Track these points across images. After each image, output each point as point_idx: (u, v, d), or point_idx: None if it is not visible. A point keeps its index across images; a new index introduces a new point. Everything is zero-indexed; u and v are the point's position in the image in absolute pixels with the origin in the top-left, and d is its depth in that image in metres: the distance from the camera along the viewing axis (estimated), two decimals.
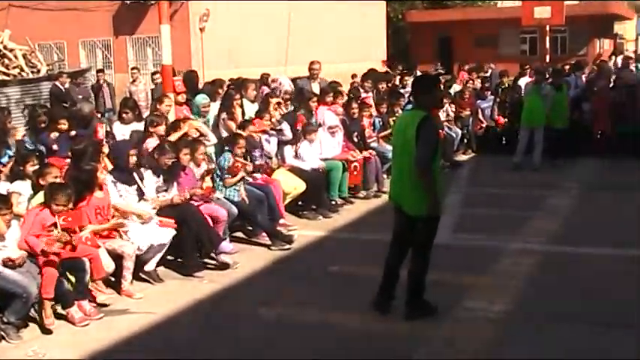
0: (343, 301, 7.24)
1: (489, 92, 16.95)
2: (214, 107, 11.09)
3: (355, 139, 12.33)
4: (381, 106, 13.62)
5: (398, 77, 17.53)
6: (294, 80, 14.29)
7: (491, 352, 6.10)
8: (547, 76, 15.13)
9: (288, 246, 9.13)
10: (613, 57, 25.32)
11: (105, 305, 7.19)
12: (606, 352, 5.98)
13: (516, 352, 6.05)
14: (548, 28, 30.78)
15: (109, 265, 7.23)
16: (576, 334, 6.33)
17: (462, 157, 15.73)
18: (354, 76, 18.37)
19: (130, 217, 7.77)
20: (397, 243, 6.85)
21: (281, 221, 9.87)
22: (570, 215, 10.62)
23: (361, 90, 14.64)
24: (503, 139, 16.02)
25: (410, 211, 6.58)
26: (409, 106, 11.54)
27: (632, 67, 19.00)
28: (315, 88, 13.51)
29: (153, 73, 17.83)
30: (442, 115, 15.12)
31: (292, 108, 12.06)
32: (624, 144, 15.07)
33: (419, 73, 17.40)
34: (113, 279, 7.59)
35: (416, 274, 6.68)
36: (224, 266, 8.34)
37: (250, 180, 9.75)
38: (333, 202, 11.22)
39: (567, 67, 18.17)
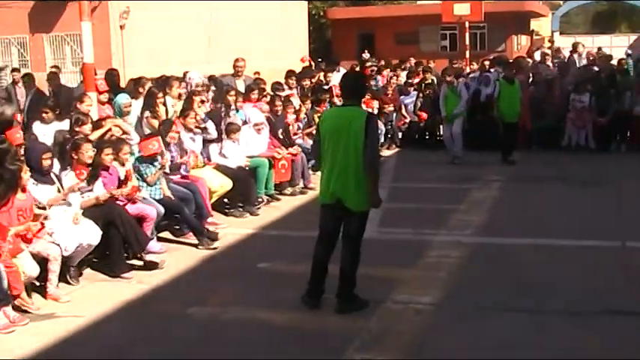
0: (273, 298, 7.23)
1: (412, 88, 17.15)
2: (137, 106, 10.93)
3: (281, 136, 12.34)
4: (305, 103, 13.65)
5: (322, 74, 17.56)
6: (210, 78, 14.12)
7: (420, 343, 6.18)
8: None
9: (215, 244, 9.07)
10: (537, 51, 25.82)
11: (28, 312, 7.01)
12: (534, 341, 6.12)
13: (444, 343, 6.14)
14: (467, 24, 31.35)
15: (33, 270, 7.05)
16: (504, 323, 6.47)
17: (386, 152, 15.88)
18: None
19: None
20: (326, 238, 6.87)
21: (209, 219, 9.80)
22: (494, 207, 10.85)
23: (285, 87, 14.64)
24: (427, 134, 16.25)
25: (354, 207, 6.62)
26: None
27: (549, 62, 19.43)
28: (240, 85, 13.46)
29: (12, 71, 17.75)
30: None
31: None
32: (542, 137, 15.52)
33: (342, 70, 17.54)
34: (38, 283, 7.41)
35: (348, 269, 6.73)
36: (152, 266, 8.23)
37: (175, 178, 9.66)
38: (260, 200, 11.20)
39: (487, 62, 18.44)
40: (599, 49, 21.83)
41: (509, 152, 14.20)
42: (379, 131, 15.50)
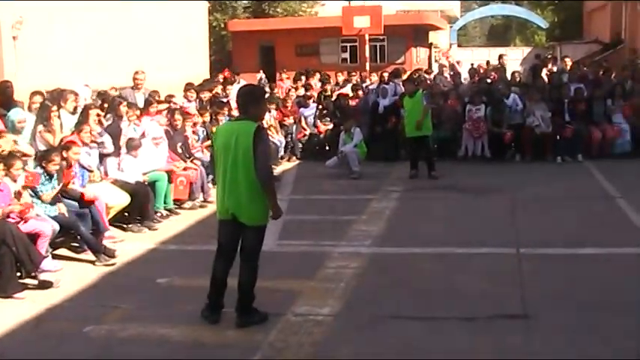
0: (172, 313, 7.15)
1: (312, 100, 17.27)
2: (31, 120, 10.61)
3: (180, 150, 12.24)
4: (204, 116, 13.56)
5: (220, 86, 17.49)
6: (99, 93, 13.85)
7: (319, 354, 6.20)
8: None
9: (112, 260, 8.91)
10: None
11: None
12: (430, 347, 6.23)
13: (343, 353, 6.18)
14: (367, 37, 31.80)
15: None
16: (401, 331, 6.58)
17: (286, 165, 15.94)
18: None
19: None
20: (224, 253, 6.84)
21: (106, 234, 9.62)
22: (393, 218, 11.01)
23: (184, 100, 14.52)
24: (327, 146, 16.37)
25: (248, 221, 6.60)
26: None
27: (447, 74, 19.90)
28: (140, 98, 13.28)
29: None
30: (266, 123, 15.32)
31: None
32: (440, 148, 15.86)
33: (242, 82, 17.51)
34: None
35: (246, 283, 6.70)
36: (47, 285, 8.00)
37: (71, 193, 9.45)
38: (159, 214, 11.07)
39: (386, 74, 18.77)
40: (500, 56, 22.41)
41: (432, 167, 14.18)
42: (279, 144, 15.72)
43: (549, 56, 27.27)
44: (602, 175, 13.76)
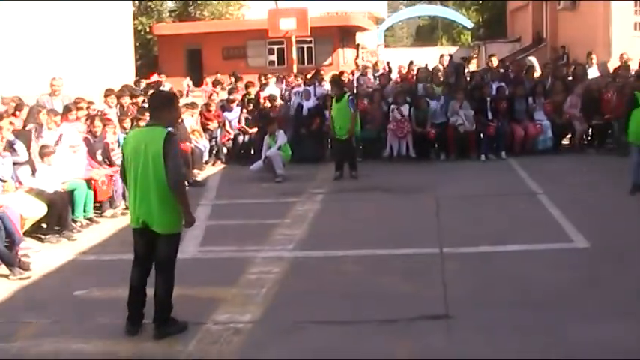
0: (89, 327, 6.94)
1: (235, 103, 17.11)
2: None
3: (100, 157, 11.97)
4: (124, 122, 13.28)
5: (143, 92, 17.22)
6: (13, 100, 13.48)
7: None
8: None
9: (27, 273, 8.61)
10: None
11: None
12: (350, 351, 6.19)
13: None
14: (294, 39, 31.81)
15: None
16: (321, 335, 6.51)
17: (211, 169, 15.77)
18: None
19: None
20: (140, 262, 6.69)
21: (22, 245, 9.30)
22: (317, 220, 10.95)
23: (105, 106, 14.21)
24: (251, 149, 16.22)
25: (160, 229, 6.45)
26: None
27: (370, 74, 19.96)
28: (58, 104, 12.97)
29: None
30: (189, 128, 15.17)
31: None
32: (365, 148, 15.90)
33: (168, 85, 17.29)
34: None
35: (162, 293, 6.55)
36: None
37: None
38: (79, 224, 10.79)
39: (309, 75, 18.75)
40: (442, 56, 22.56)
41: (354, 167, 14.18)
42: (203, 148, 15.52)
43: (475, 55, 27.71)
44: (524, 172, 13.95)
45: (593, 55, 20.06)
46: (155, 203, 6.39)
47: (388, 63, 28.67)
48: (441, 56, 22.48)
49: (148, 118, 13.32)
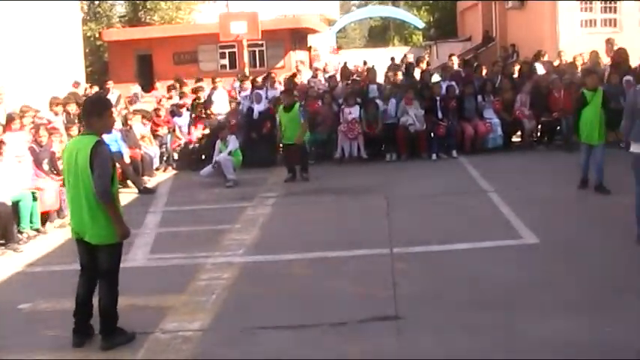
0: (33, 340, 6.78)
1: (185, 109, 16.97)
2: None
3: (46, 166, 11.77)
4: (71, 130, 13.09)
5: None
6: None
7: None
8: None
9: None
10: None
11: None
12: (300, 355, 6.15)
13: None
14: (245, 42, 31.68)
15: None
16: (271, 341, 6.46)
17: (161, 176, 15.62)
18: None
19: None
20: (85, 273, 6.58)
21: None
22: (268, 224, 10.88)
23: (51, 114, 14.00)
24: (202, 155, 16.10)
25: (93, 240, 6.34)
26: None
27: (321, 77, 19.95)
28: (1, 113, 12.74)
29: None
30: (146, 132, 15.05)
31: None
32: (317, 150, 15.89)
33: (116, 92, 17.09)
34: None
35: (106, 304, 6.44)
36: None
37: None
38: (25, 235, 10.58)
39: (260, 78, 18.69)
40: (405, 56, 22.65)
41: (305, 169, 14.20)
42: (153, 155, 15.35)
43: (426, 55, 27.85)
44: (475, 171, 14.04)
45: (543, 52, 20.30)
46: (86, 214, 6.29)
47: (345, 64, 28.65)
48: (405, 56, 22.60)
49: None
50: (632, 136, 8.62)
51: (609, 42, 19.22)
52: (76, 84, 21.95)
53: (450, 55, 20.91)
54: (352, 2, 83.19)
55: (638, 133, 8.50)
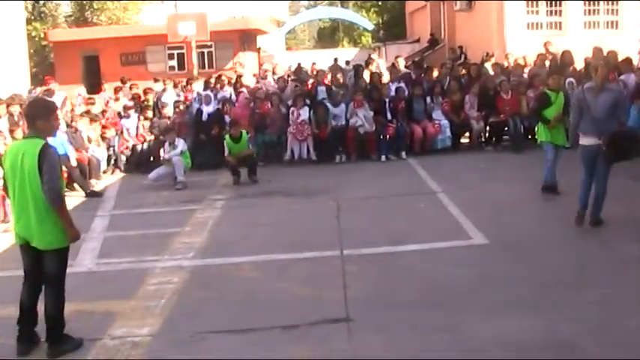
0: None
1: (133, 110, 16.78)
2: None
3: None
4: (15, 132, 12.85)
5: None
6: None
7: None
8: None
9: None
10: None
11: None
12: (261, 357, 6.13)
13: None
14: (194, 43, 31.49)
15: None
16: (221, 345, 6.41)
17: (109, 178, 15.42)
18: None
19: None
20: (29, 279, 6.44)
21: None
22: (217, 227, 10.81)
23: None
24: (151, 157, 15.95)
25: (41, 245, 6.21)
26: None
27: (270, 79, 19.89)
28: None
29: None
30: (93, 136, 14.85)
31: None
32: (266, 152, 15.86)
33: (62, 94, 16.81)
34: None
35: (52, 310, 6.32)
36: None
37: None
38: None
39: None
40: (369, 56, 22.59)
41: (254, 171, 14.16)
42: (101, 157, 15.14)
43: (376, 57, 27.92)
44: (424, 172, 14.14)
45: (490, 54, 20.52)
46: (34, 219, 6.16)
47: (299, 64, 28.42)
48: (369, 56, 22.60)
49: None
50: (581, 130, 9.48)
51: (547, 45, 19.59)
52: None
53: (396, 57, 21.03)
54: (301, 3, 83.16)
55: (586, 128, 9.37)
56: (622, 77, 15.35)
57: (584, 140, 9.43)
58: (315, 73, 20.90)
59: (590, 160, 9.36)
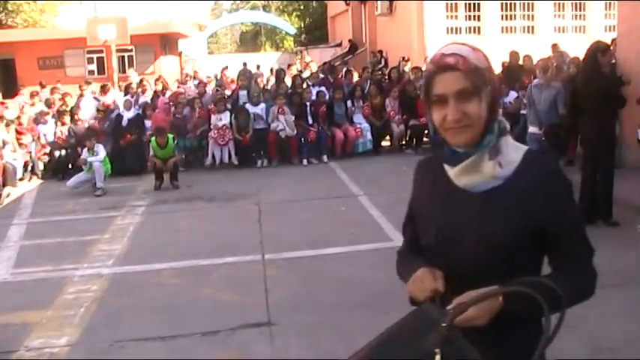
0: None
1: (50, 116, 16.45)
2: None
3: None
4: None
5: None
6: None
7: None
8: None
9: None
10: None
11: None
12: None
13: None
14: (114, 47, 31.00)
15: None
16: (140, 353, 6.31)
17: (26, 185, 15.09)
18: None
19: None
20: None
21: None
22: (138, 234, 10.69)
23: None
24: (70, 163, 15.66)
25: None
26: None
27: (192, 83, 19.79)
28: None
29: None
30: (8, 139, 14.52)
31: None
32: (187, 157, 15.79)
33: None
34: None
35: None
36: None
37: None
38: None
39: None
40: (244, 64, 22.57)
41: (175, 176, 14.10)
42: (18, 164, 14.81)
43: (298, 61, 28.03)
44: (346, 175, 14.26)
45: (406, 58, 20.82)
46: None
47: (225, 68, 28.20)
48: (306, 62, 22.52)
49: None
50: (529, 120, 11.52)
51: None
52: None
53: (308, 62, 21.19)
54: (224, 7, 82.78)
55: (532, 118, 11.32)
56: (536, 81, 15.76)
57: (531, 129, 11.29)
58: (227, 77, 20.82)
59: (534, 146, 10.51)
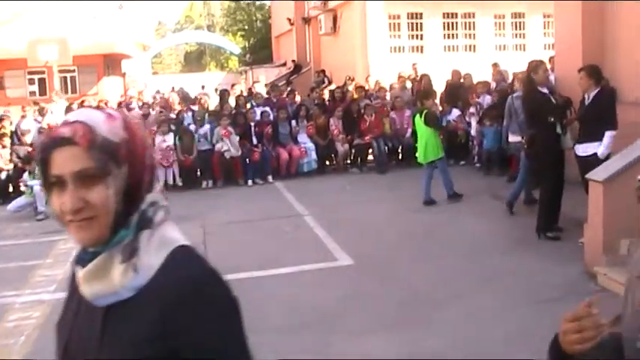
0: None
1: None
2: None
3: None
4: None
5: None
6: None
7: None
8: None
9: None
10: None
11: None
12: None
13: None
14: (55, 68, 30.66)
15: None
16: None
17: None
18: None
19: None
20: None
21: None
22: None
23: None
24: (11, 187, 15.40)
25: None
26: None
27: (136, 104, 19.64)
28: None
29: None
30: None
31: None
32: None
33: None
34: None
35: None
36: None
37: None
38: None
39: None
40: (202, 87, 22.53)
41: None
42: None
43: (242, 80, 28.08)
44: (291, 194, 14.28)
45: (351, 77, 20.99)
46: None
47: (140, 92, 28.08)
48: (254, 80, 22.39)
49: None
50: (511, 130, 12.22)
51: (414, 66, 20.51)
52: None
53: (254, 82, 21.29)
54: (167, 27, 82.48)
55: (513, 129, 12.01)
56: (479, 99, 16.06)
57: (512, 138, 12.22)
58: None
59: (518, 154, 11.62)
